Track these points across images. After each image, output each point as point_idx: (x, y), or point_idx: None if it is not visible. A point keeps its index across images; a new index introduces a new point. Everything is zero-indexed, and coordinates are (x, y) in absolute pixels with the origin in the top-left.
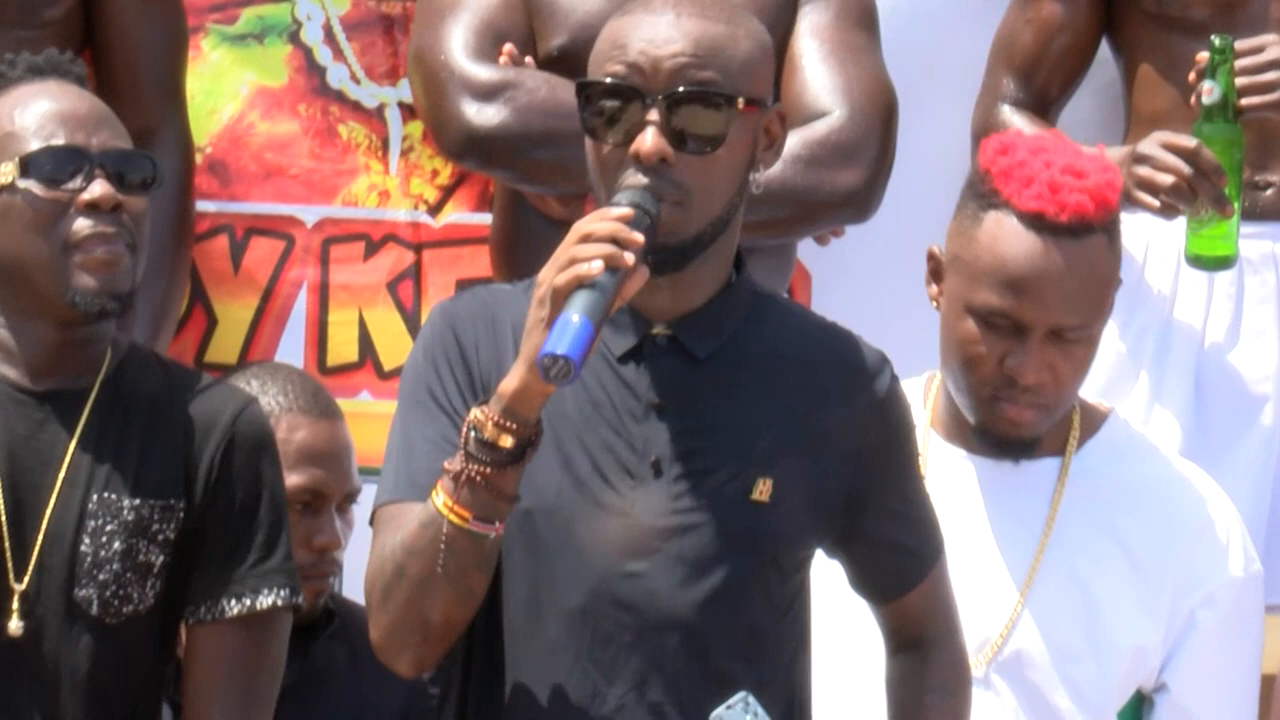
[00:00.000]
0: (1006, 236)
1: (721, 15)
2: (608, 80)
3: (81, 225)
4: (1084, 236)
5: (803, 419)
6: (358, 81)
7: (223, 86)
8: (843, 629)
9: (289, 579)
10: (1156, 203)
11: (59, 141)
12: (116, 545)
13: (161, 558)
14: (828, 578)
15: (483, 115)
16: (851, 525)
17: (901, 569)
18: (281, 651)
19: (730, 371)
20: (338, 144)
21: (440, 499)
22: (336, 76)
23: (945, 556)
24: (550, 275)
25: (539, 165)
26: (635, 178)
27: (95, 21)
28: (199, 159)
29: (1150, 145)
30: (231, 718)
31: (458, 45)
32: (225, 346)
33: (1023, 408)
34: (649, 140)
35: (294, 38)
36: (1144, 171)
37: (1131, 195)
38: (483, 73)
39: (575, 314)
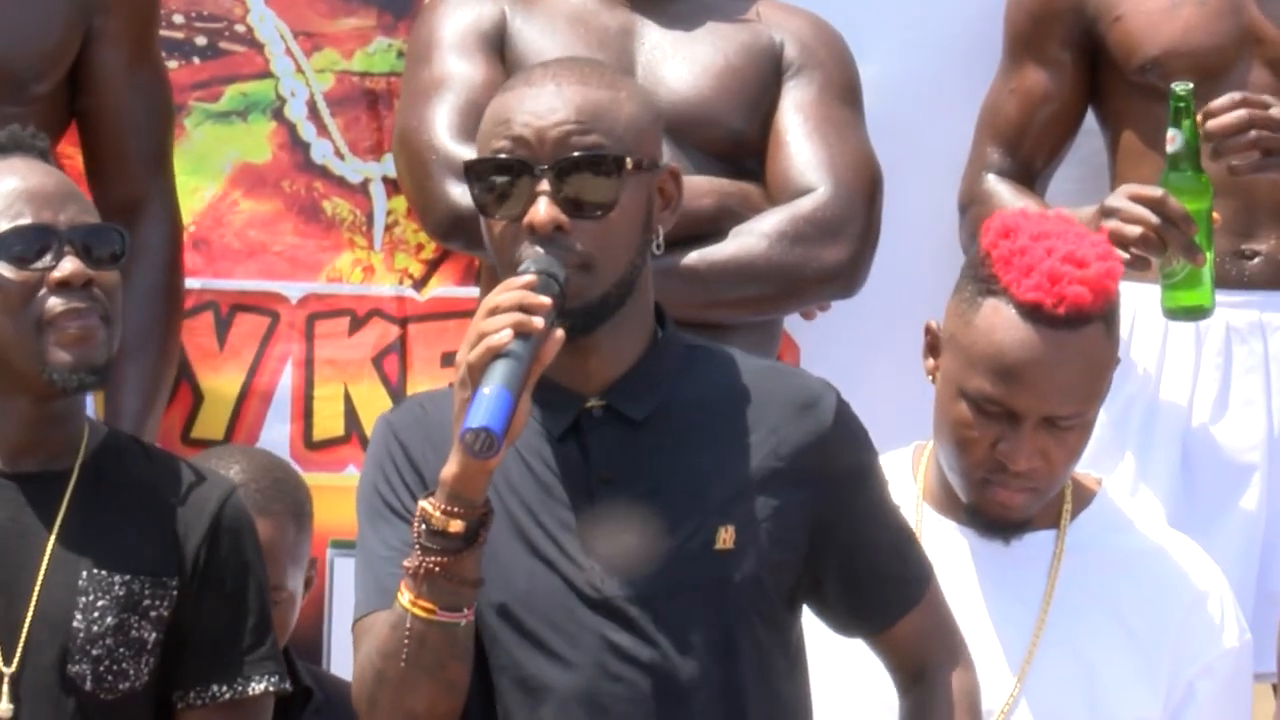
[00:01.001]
0: (1003, 325)
1: (603, 81)
2: (495, 156)
3: (54, 303)
4: (1081, 327)
5: (754, 459)
6: (342, 157)
7: (206, 164)
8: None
9: (277, 665)
10: (1126, 255)
11: (26, 221)
12: (109, 620)
13: (155, 634)
14: (825, 647)
15: (468, 197)
16: (828, 559)
17: (889, 597)
18: None
19: (672, 428)
20: (322, 220)
21: (405, 597)
22: (320, 152)
23: (937, 582)
24: (464, 355)
25: None
26: (533, 250)
27: (83, 95)
28: (184, 237)
29: (1117, 198)
30: None
31: (442, 126)
32: (211, 423)
33: (1014, 491)
34: (541, 210)
35: (278, 114)
36: (1112, 225)
37: None
38: (467, 153)
39: (488, 386)
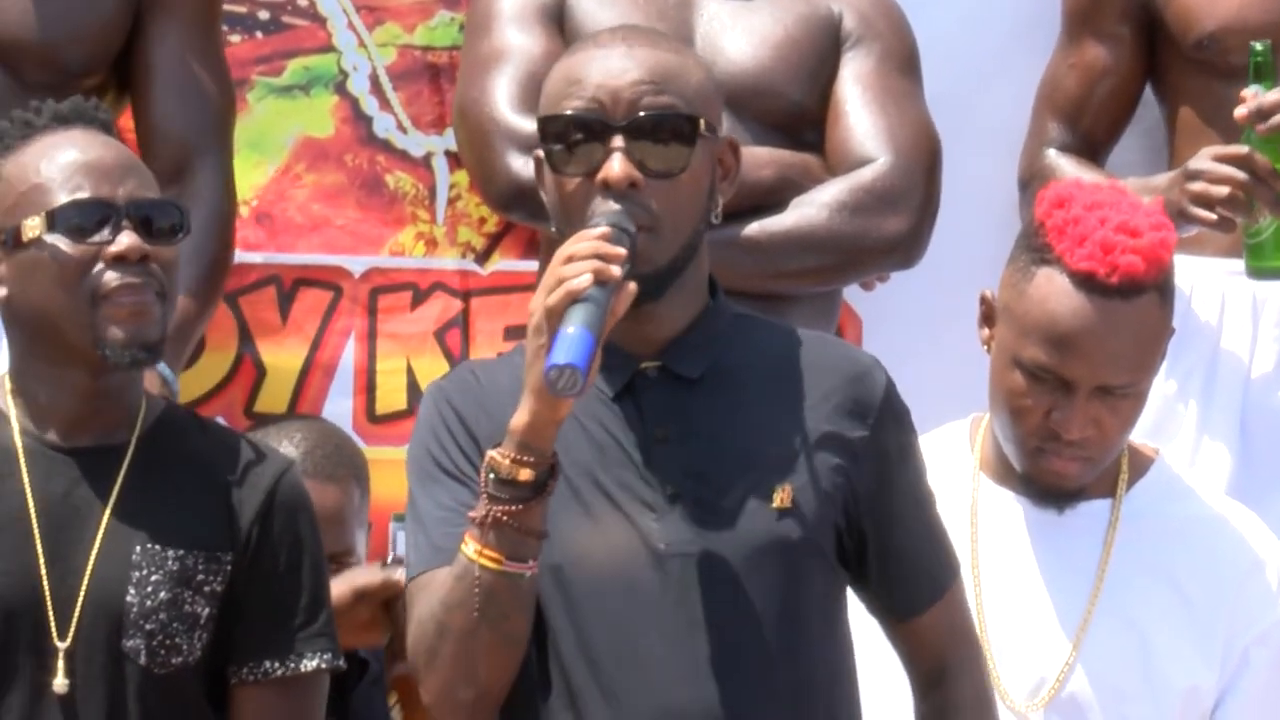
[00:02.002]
0: (1056, 294)
1: (670, 46)
2: (569, 113)
3: (110, 277)
4: (1134, 297)
5: (805, 421)
6: (404, 131)
7: (269, 138)
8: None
9: (330, 642)
10: (1213, 216)
11: (85, 194)
12: (162, 595)
13: (208, 610)
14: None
15: (529, 168)
16: (867, 530)
17: (918, 584)
18: (320, 713)
19: (725, 388)
20: (385, 194)
21: (470, 548)
22: (383, 126)
23: (961, 580)
24: (540, 301)
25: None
26: (605, 205)
27: (135, 74)
28: (246, 212)
29: (1201, 160)
30: None
31: (502, 98)
32: (274, 397)
33: (1068, 460)
34: (616, 166)
35: (340, 88)
36: (1198, 187)
37: (1187, 213)
38: (528, 125)
39: (571, 326)
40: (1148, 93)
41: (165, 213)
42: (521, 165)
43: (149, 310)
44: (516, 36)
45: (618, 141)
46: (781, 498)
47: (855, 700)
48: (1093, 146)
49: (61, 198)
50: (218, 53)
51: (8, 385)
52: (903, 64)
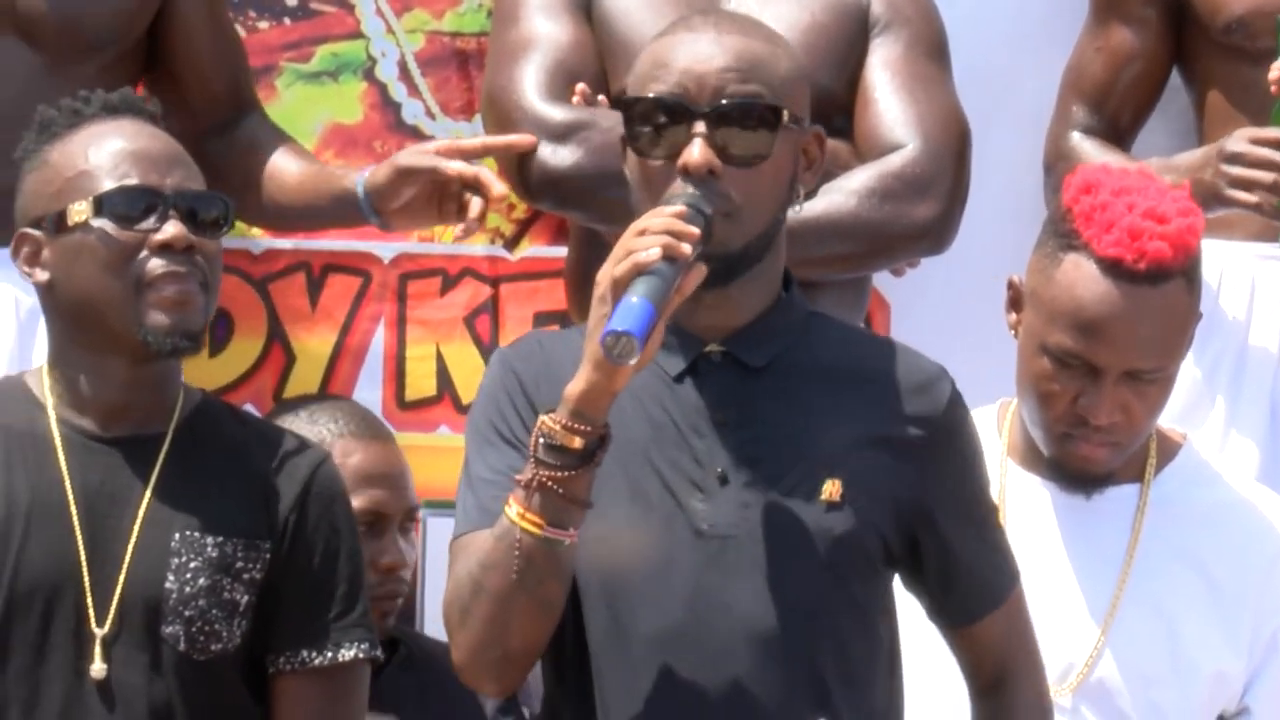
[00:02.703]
0: (1084, 280)
1: (761, 34)
2: (652, 96)
3: (155, 264)
4: (1162, 283)
5: (865, 421)
6: (433, 117)
7: (297, 125)
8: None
9: (368, 633)
10: (1255, 199)
11: (133, 181)
12: (202, 581)
13: (247, 597)
14: (912, 631)
15: (557, 156)
16: (925, 539)
17: (976, 591)
18: (362, 703)
19: (787, 380)
20: None
21: (513, 510)
22: (411, 112)
23: (1022, 587)
24: (608, 271)
25: (613, 205)
26: (683, 188)
27: (165, 41)
28: None
29: (1238, 143)
30: None
31: (530, 86)
32: (303, 383)
33: (1095, 446)
34: (696, 153)
35: (369, 74)
36: (1238, 171)
37: (1223, 196)
38: (556, 113)
39: (634, 296)
40: (1175, 78)
41: (211, 205)
42: (549, 154)
43: (193, 299)
44: (544, 25)
45: (700, 127)
46: (830, 491)
47: (890, 700)
48: (1118, 131)
49: (109, 184)
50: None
51: (45, 375)
52: (931, 49)
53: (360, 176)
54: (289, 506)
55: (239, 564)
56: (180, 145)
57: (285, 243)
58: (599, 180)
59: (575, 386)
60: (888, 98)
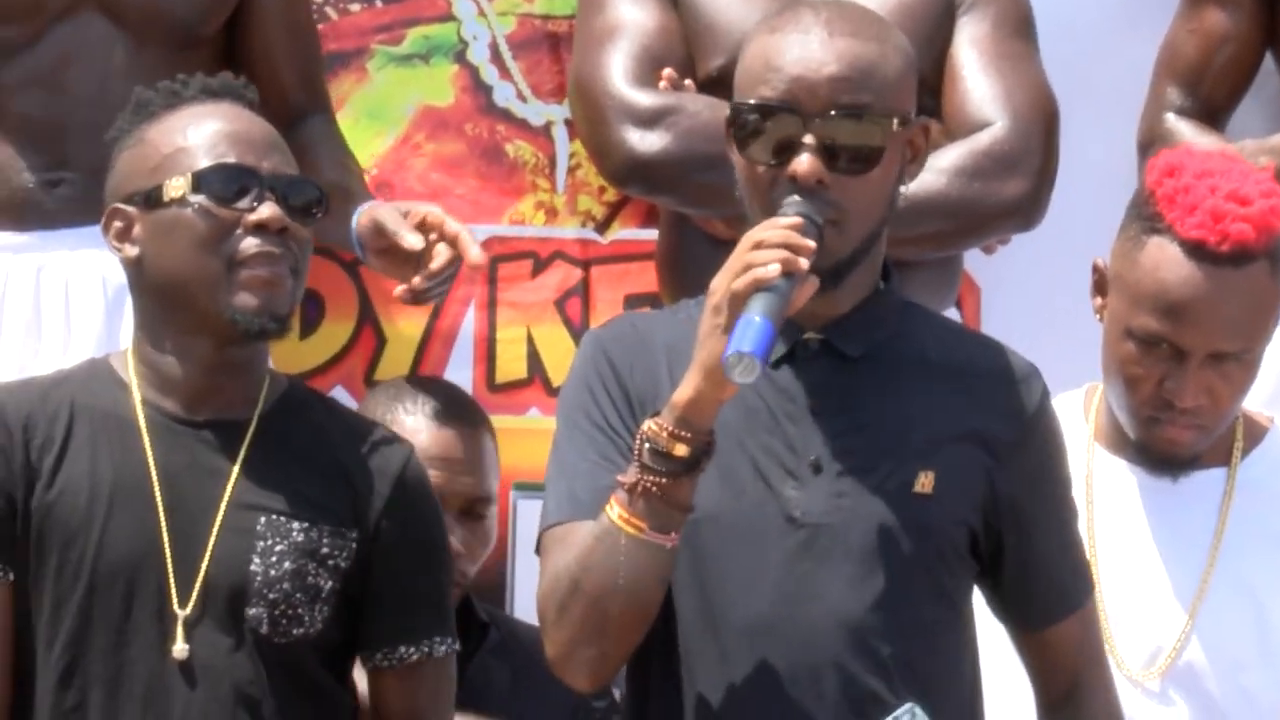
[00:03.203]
0: (1167, 263)
1: (872, 32)
2: (763, 102)
3: (248, 244)
4: (1245, 265)
5: (957, 417)
6: (524, 100)
7: (388, 108)
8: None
9: (452, 625)
10: None
11: (231, 160)
12: (287, 565)
13: (331, 583)
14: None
15: (645, 142)
16: (1006, 537)
17: (1052, 596)
18: (451, 692)
19: (883, 371)
20: (504, 163)
21: (615, 511)
22: (503, 95)
23: (1095, 602)
24: (725, 282)
25: (703, 189)
26: (794, 196)
27: (242, 31)
28: (365, 181)
29: None
30: None
31: (617, 72)
32: (394, 366)
33: (1181, 429)
34: (805, 163)
35: (460, 57)
36: None
37: None
38: (643, 99)
39: (756, 315)
40: (1269, 61)
41: (305, 191)
42: (638, 139)
43: (283, 282)
44: (630, 11)
45: (809, 139)
46: (924, 483)
47: (969, 699)
48: (1212, 112)
49: (207, 161)
50: (309, 8)
51: (130, 357)
52: (1017, 27)
53: (360, 210)
54: (383, 503)
55: (325, 550)
56: (276, 133)
57: None
58: (688, 165)
59: (683, 394)
60: (975, 76)
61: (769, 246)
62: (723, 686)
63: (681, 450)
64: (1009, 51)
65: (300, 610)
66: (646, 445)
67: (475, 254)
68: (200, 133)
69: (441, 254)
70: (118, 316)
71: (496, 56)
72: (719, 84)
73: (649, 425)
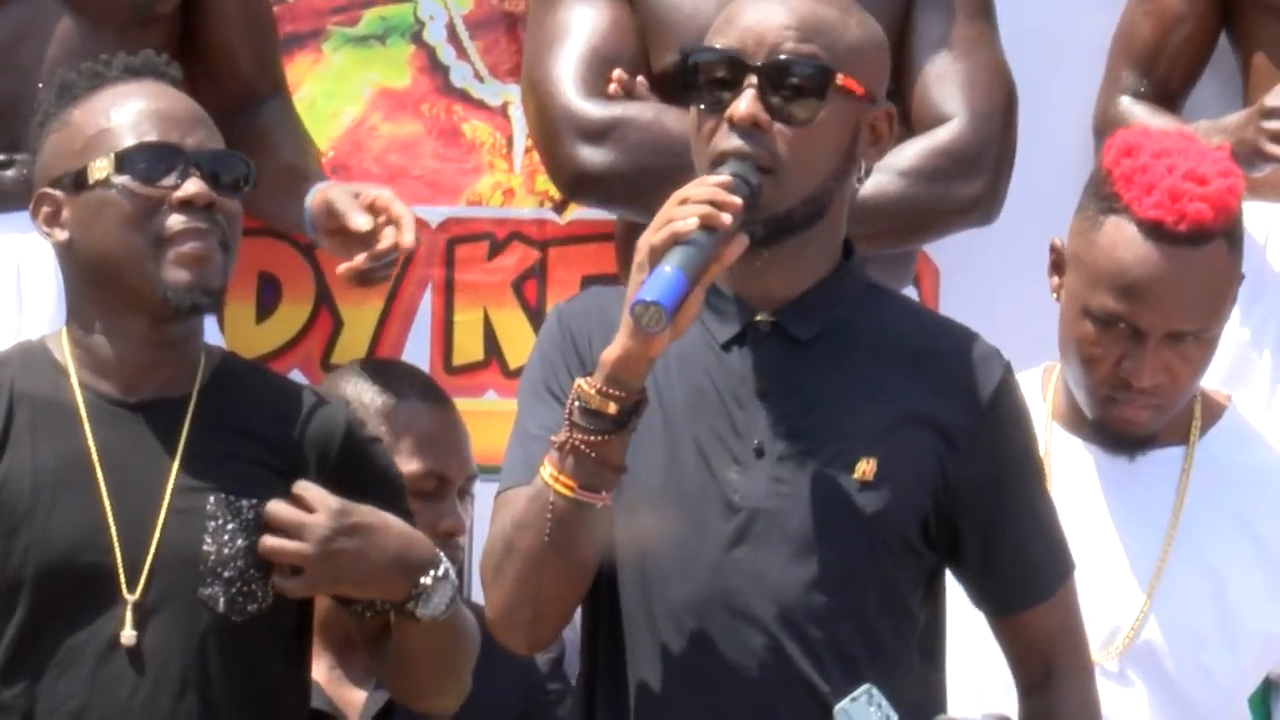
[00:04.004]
0: (1125, 242)
1: (836, 2)
2: (713, 47)
3: (175, 221)
4: (1203, 244)
5: (909, 400)
6: (481, 80)
7: (345, 89)
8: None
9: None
10: None
11: (153, 138)
12: (239, 543)
13: None
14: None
15: (594, 157)
16: (967, 525)
17: (1022, 582)
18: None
19: (836, 353)
20: (462, 143)
21: (547, 470)
22: (460, 75)
23: (1074, 581)
24: (647, 237)
25: (654, 200)
26: (729, 140)
27: (198, 14)
28: (322, 163)
29: (1278, 98)
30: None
31: (566, 79)
32: (351, 348)
33: (1139, 408)
34: (744, 105)
35: (417, 37)
36: (1275, 125)
37: (1263, 151)
38: (591, 111)
39: (667, 265)
40: (1225, 40)
41: (231, 165)
42: (587, 154)
43: (212, 256)
44: (581, 11)
45: (751, 80)
46: (865, 470)
47: (924, 684)
48: (1168, 94)
49: (130, 141)
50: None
51: (65, 339)
52: (974, 7)
53: (313, 190)
54: (335, 463)
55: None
56: (201, 107)
57: None
58: (638, 179)
59: (611, 352)
60: (932, 64)
61: (694, 202)
62: (662, 667)
63: (611, 408)
64: (966, 35)
65: (254, 586)
66: (577, 404)
67: (408, 239)
68: (123, 112)
69: (388, 236)
70: (33, 300)
71: (453, 36)
72: (674, 78)
73: (580, 384)
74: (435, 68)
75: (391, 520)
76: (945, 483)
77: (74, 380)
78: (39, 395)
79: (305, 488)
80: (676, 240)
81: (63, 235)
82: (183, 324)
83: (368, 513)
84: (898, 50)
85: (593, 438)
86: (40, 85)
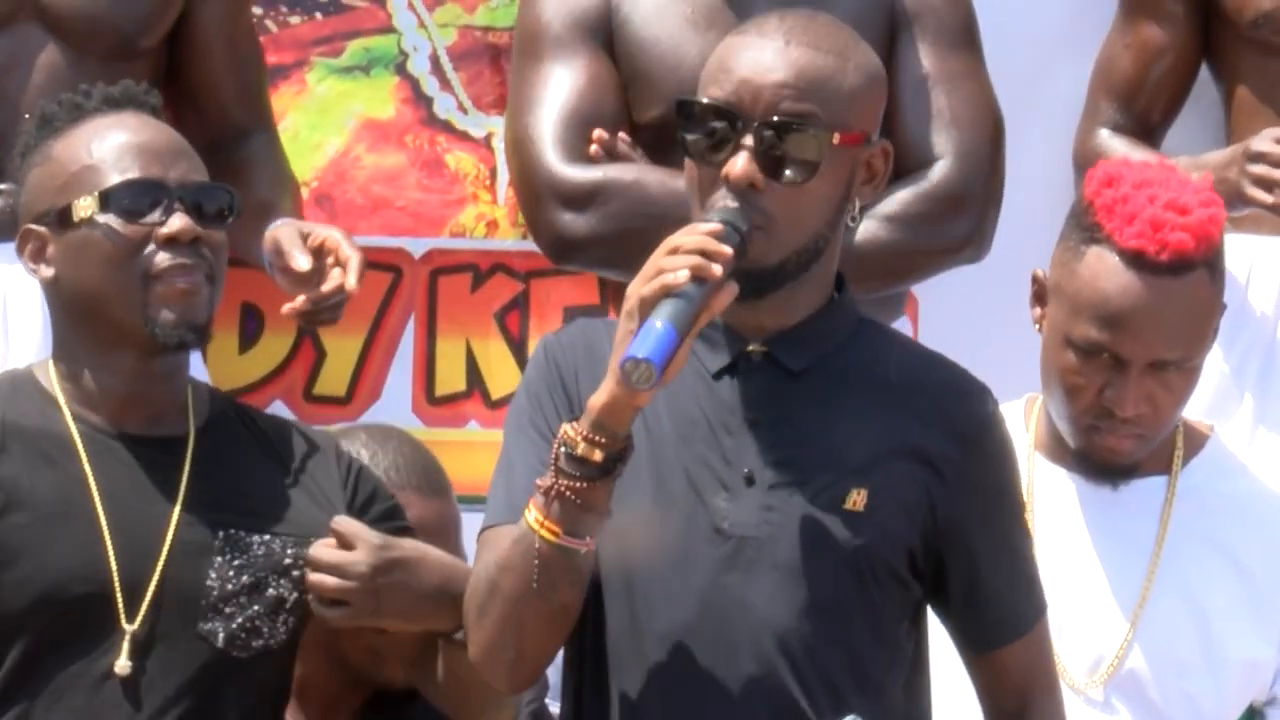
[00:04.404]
0: (1107, 272)
1: (833, 46)
2: (707, 101)
3: (161, 258)
4: (1184, 274)
5: (899, 433)
6: (465, 111)
7: (329, 120)
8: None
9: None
10: (1272, 199)
11: (136, 175)
12: (245, 579)
13: (296, 594)
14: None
15: (576, 225)
16: (951, 558)
17: (997, 620)
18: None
19: (827, 385)
20: (445, 174)
21: (532, 515)
22: (444, 107)
23: (1046, 620)
24: (637, 287)
25: (636, 263)
26: (725, 199)
27: (183, 45)
28: (305, 194)
29: (1264, 142)
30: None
31: (548, 141)
32: (334, 379)
33: (1121, 438)
34: (739, 165)
35: (400, 69)
36: (1260, 169)
37: (1245, 194)
38: (573, 175)
39: (659, 320)
40: (1206, 72)
41: (215, 197)
42: (569, 221)
43: (199, 291)
44: (561, 66)
45: (747, 140)
46: (855, 501)
47: (904, 716)
48: (1148, 127)
49: (114, 178)
50: (253, 25)
51: (52, 370)
52: (959, 36)
53: (272, 225)
54: (341, 497)
55: (287, 560)
56: (183, 137)
57: None
58: (620, 244)
59: (598, 399)
60: (917, 104)
61: (684, 252)
62: (648, 695)
63: (596, 455)
64: (950, 69)
65: (260, 623)
66: (563, 449)
67: (351, 282)
68: (104, 147)
69: (334, 278)
70: (14, 331)
71: (437, 68)
72: (658, 130)
73: (566, 430)
74: (419, 99)
75: (431, 552)
76: (933, 514)
77: (65, 412)
78: (31, 425)
79: (344, 523)
80: (667, 292)
81: (48, 272)
82: (170, 358)
83: (409, 547)
84: None
85: (578, 484)
86: (26, 116)
